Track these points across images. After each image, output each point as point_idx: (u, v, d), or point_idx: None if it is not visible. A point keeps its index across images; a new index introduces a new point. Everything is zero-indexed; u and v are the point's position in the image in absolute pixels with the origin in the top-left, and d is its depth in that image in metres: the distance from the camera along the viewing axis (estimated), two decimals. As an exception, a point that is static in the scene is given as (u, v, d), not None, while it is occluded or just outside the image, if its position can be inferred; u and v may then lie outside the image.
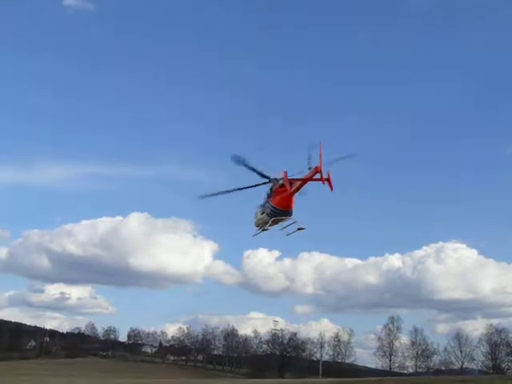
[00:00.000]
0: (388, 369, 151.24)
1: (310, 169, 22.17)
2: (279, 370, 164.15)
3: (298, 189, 22.48)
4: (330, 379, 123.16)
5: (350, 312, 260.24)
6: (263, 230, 24.61)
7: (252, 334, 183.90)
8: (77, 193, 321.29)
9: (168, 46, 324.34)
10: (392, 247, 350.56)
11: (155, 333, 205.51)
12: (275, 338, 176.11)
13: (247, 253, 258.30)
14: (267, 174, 23.71)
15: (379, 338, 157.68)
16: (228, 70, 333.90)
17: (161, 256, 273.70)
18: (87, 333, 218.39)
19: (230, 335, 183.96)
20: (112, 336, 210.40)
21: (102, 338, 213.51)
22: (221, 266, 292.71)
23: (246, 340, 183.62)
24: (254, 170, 23.78)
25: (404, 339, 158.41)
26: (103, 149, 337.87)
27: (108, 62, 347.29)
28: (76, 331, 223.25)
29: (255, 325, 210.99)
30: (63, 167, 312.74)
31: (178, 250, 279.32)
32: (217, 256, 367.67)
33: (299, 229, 23.96)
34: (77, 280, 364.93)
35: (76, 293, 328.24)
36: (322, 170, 21.58)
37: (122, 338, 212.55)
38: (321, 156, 20.93)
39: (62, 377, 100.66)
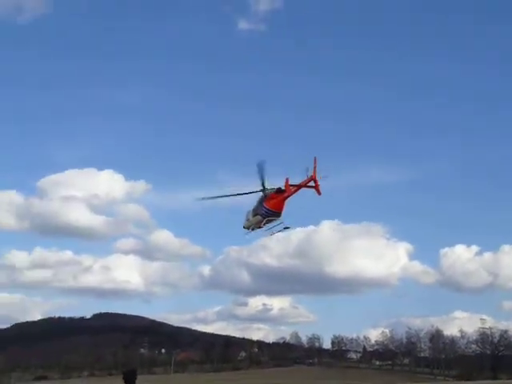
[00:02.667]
0: None
1: (307, 176, 26.02)
2: (492, 371, 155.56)
3: (292, 194, 26.17)
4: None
5: None
6: (253, 230, 28.38)
7: (458, 334, 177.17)
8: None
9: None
10: None
11: (358, 338, 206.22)
12: (484, 337, 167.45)
13: (444, 250, 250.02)
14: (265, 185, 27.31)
15: None
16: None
17: (355, 261, 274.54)
18: (292, 342, 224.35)
19: (435, 337, 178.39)
20: (316, 344, 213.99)
21: (306, 346, 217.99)
22: (417, 267, 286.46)
23: (452, 341, 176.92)
24: (262, 180, 27.59)
25: None
26: (286, 159, 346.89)
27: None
28: (281, 341, 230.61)
29: (460, 324, 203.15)
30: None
31: (371, 254, 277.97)
32: (412, 257, 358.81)
33: (285, 228, 27.78)
34: (277, 291, 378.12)
35: (277, 304, 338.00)
36: (316, 178, 25.67)
37: (326, 345, 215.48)
38: (315, 168, 25.22)
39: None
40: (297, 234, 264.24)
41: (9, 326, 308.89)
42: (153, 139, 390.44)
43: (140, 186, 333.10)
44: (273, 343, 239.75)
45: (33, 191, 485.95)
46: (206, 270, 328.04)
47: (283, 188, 26.61)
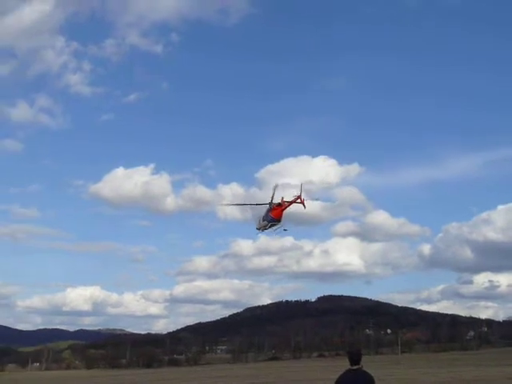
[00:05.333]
0: None
1: (294, 196, 34.34)
2: None
3: (286, 208, 34.94)
4: None
5: None
6: (262, 231, 36.84)
7: None
8: (488, 179, 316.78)
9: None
10: None
11: None
12: None
13: None
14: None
15: None
16: None
17: None
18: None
19: None
20: None
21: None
22: None
23: None
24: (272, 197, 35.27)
25: None
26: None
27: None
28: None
29: None
30: (471, 157, 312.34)
31: None
32: None
33: (284, 230, 35.87)
34: (504, 267, 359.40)
35: (505, 280, 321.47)
36: (302, 197, 34.04)
37: None
38: (301, 190, 34.33)
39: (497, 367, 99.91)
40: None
41: (241, 310, 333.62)
42: (361, 121, 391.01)
43: (353, 169, 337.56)
44: (503, 321, 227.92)
45: (252, 182, 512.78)
46: (426, 248, 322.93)
47: (282, 203, 35.40)
